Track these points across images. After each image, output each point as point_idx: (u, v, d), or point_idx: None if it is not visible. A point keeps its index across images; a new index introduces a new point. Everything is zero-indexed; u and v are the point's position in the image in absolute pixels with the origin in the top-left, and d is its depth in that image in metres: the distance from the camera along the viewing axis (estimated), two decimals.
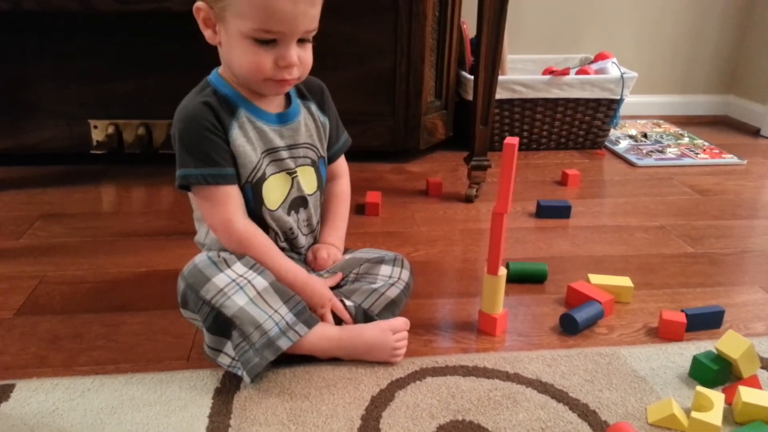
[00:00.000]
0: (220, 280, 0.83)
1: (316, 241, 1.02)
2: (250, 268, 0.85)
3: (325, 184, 1.03)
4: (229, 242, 0.88)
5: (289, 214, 0.94)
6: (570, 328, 0.98)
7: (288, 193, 0.94)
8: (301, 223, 0.97)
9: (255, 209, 0.91)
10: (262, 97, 0.90)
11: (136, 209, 1.43)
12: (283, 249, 0.95)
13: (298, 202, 0.95)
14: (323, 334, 0.87)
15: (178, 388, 0.83)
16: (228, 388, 0.83)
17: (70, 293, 1.06)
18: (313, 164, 0.97)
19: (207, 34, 0.85)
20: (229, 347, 0.83)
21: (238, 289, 0.82)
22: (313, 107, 0.97)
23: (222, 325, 0.82)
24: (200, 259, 0.86)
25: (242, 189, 0.89)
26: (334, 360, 0.89)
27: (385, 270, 0.98)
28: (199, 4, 0.82)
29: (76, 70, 1.55)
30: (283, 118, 0.93)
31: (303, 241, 0.99)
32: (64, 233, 1.29)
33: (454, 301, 1.08)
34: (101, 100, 1.58)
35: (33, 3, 1.25)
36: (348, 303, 0.91)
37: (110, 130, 1.59)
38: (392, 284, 0.96)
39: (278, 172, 0.92)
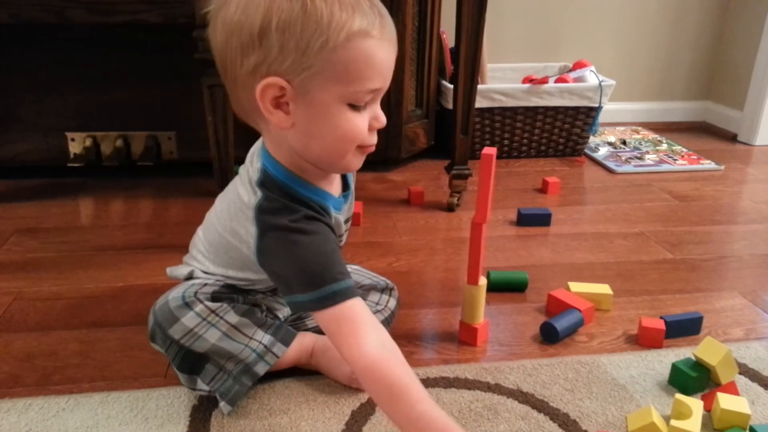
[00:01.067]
0: (190, 320, 0.79)
1: None
2: (223, 302, 0.81)
3: None
4: (362, 376, 0.69)
5: None
6: (550, 337, 0.98)
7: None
8: None
9: None
10: (328, 181, 0.79)
11: (114, 223, 1.41)
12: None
13: None
14: (300, 345, 0.86)
15: (155, 406, 0.82)
16: (206, 405, 0.82)
17: (46, 309, 1.05)
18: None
19: (276, 118, 0.68)
20: (201, 384, 0.81)
21: (210, 326, 0.79)
22: (351, 176, 0.87)
23: (193, 362, 0.80)
24: (173, 296, 0.81)
25: None
26: (314, 374, 0.88)
27: (373, 296, 0.97)
28: (269, 80, 0.65)
29: (53, 82, 1.54)
30: (345, 198, 0.83)
31: None
32: (40, 248, 1.27)
33: (436, 311, 1.07)
34: (78, 112, 1.57)
35: (5, 15, 1.23)
36: None
37: (88, 142, 1.57)
38: (378, 311, 0.95)
39: None
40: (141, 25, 1.26)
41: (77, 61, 1.53)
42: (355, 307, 0.70)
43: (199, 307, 0.79)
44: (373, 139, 0.73)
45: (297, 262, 0.71)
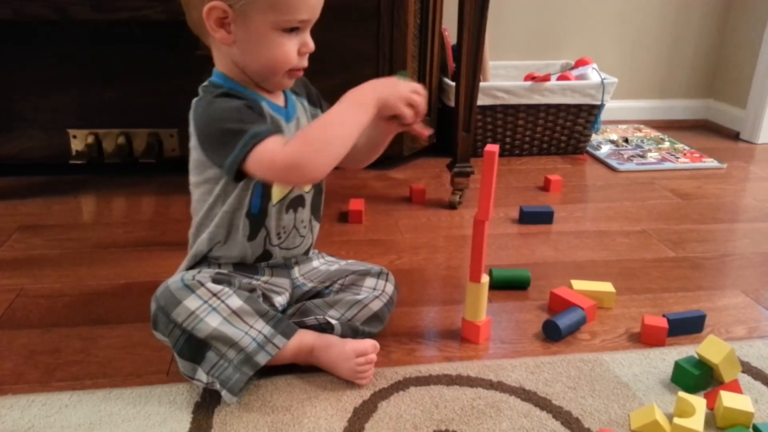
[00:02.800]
0: (192, 302, 0.81)
1: (312, 243, 1.00)
2: (225, 286, 0.83)
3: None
4: (294, 155, 0.77)
5: (287, 212, 0.92)
6: (553, 334, 0.98)
7: (290, 191, 0.91)
8: (298, 223, 0.94)
9: (262, 206, 0.88)
10: (267, 93, 0.88)
11: (115, 220, 1.41)
12: (270, 250, 0.93)
13: (297, 201, 0.93)
14: (300, 342, 0.86)
15: (157, 403, 0.82)
16: (208, 402, 0.82)
17: (48, 306, 1.05)
18: None
19: (219, 35, 0.81)
20: (200, 373, 0.82)
21: (211, 310, 0.81)
22: (305, 102, 0.96)
23: (194, 348, 0.81)
24: (173, 281, 0.84)
25: (254, 185, 0.86)
26: (316, 371, 0.88)
27: (369, 282, 0.98)
28: (213, 4, 0.78)
29: (55, 79, 1.54)
30: (287, 115, 0.91)
31: (297, 241, 0.96)
32: (43, 245, 1.27)
33: (438, 308, 1.07)
34: (80, 109, 1.57)
35: (8, 12, 1.23)
36: (333, 321, 0.90)
37: (90, 139, 1.57)
38: (376, 297, 0.95)
39: None
40: (143, 22, 1.25)
41: (79, 58, 1.53)
42: (275, 137, 0.78)
43: (200, 290, 0.82)
44: (303, 63, 0.85)
45: (217, 125, 0.80)
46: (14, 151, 1.58)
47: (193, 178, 0.90)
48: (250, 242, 0.90)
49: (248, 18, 0.79)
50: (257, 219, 0.89)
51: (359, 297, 0.95)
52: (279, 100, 0.90)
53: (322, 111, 0.97)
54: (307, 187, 0.94)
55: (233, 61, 0.84)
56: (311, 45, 0.84)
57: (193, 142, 0.85)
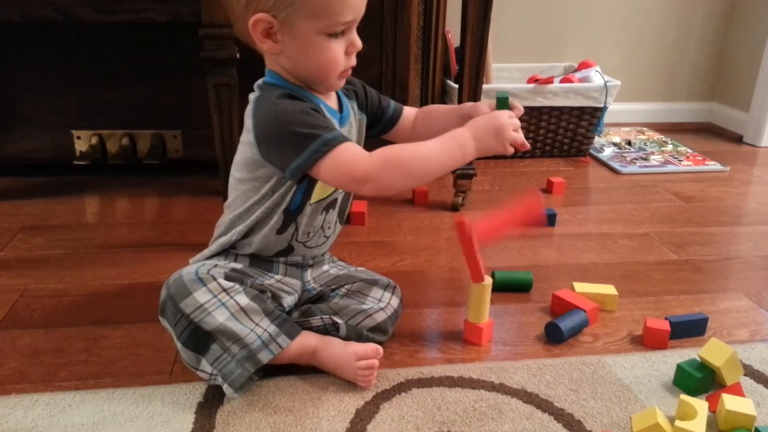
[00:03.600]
0: (202, 295, 0.82)
1: (332, 245, 1.01)
2: (236, 283, 0.84)
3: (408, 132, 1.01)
4: (377, 171, 0.79)
5: (321, 212, 0.92)
6: (555, 337, 0.98)
7: (331, 193, 0.92)
8: (326, 224, 0.95)
9: (302, 203, 0.89)
10: (322, 95, 0.88)
11: (119, 220, 1.42)
12: (294, 245, 0.93)
13: (331, 203, 0.94)
14: (303, 343, 0.87)
15: (160, 403, 0.82)
16: (211, 402, 0.83)
17: (52, 306, 1.05)
18: None
19: (266, 45, 0.81)
20: (204, 364, 0.82)
21: (220, 305, 0.82)
22: (356, 106, 0.96)
23: (199, 339, 0.81)
24: (187, 271, 0.84)
25: (299, 182, 0.85)
26: (318, 372, 0.89)
27: (376, 293, 0.98)
28: (258, 16, 0.78)
29: (59, 80, 1.54)
30: (341, 119, 0.91)
31: (321, 240, 0.96)
32: (47, 245, 1.28)
33: (440, 310, 1.07)
34: (84, 110, 1.57)
35: (15, 14, 1.23)
36: (338, 321, 0.90)
37: (94, 140, 1.58)
38: (381, 308, 0.95)
39: None
40: (147, 24, 1.26)
41: (84, 60, 1.53)
42: (349, 145, 0.80)
43: (212, 284, 0.82)
44: (351, 62, 0.85)
45: (284, 128, 0.80)
46: (18, 152, 1.59)
47: (239, 174, 0.89)
48: (278, 236, 0.90)
49: (293, 26, 0.79)
50: (292, 215, 0.89)
51: (364, 306, 0.95)
52: (332, 102, 0.91)
53: (370, 114, 0.98)
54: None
55: (283, 68, 0.85)
56: (359, 44, 0.84)
57: (249, 139, 0.84)
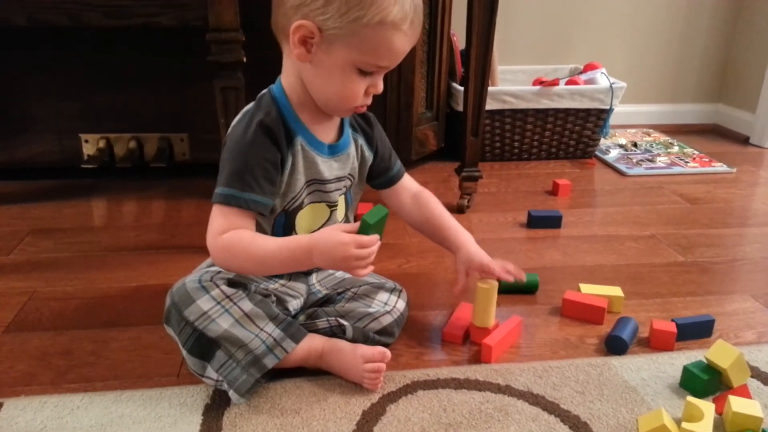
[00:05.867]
0: (205, 303, 0.82)
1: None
2: (239, 289, 0.85)
3: (404, 208, 1.04)
4: (215, 253, 0.83)
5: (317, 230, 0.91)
6: (617, 348, 0.96)
7: (324, 224, 0.93)
8: None
9: (284, 235, 0.89)
10: (319, 123, 0.88)
11: (126, 223, 1.43)
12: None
13: (327, 223, 0.94)
14: (309, 346, 0.87)
15: (167, 405, 0.83)
16: (218, 404, 0.83)
17: (60, 309, 1.06)
18: (346, 191, 0.96)
19: (298, 51, 0.79)
20: (210, 371, 0.83)
21: (223, 312, 0.82)
22: (361, 140, 0.96)
23: (204, 346, 0.82)
24: (191, 279, 0.85)
25: (276, 217, 0.88)
26: (325, 374, 0.89)
27: (382, 296, 0.98)
28: (303, 22, 0.77)
29: (67, 84, 1.55)
30: (334, 150, 0.91)
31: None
32: (55, 248, 1.28)
33: (446, 312, 1.07)
34: (92, 114, 1.58)
35: (23, 19, 1.24)
36: (345, 323, 0.90)
37: (101, 144, 1.59)
38: (387, 312, 0.95)
39: (318, 203, 0.91)
40: (155, 29, 1.27)
41: (91, 64, 1.55)
42: (234, 212, 0.82)
43: (215, 291, 0.83)
44: (367, 101, 0.85)
45: (226, 158, 0.83)
46: (26, 156, 1.60)
47: None
48: None
49: (332, 46, 0.78)
50: (287, 227, 0.90)
51: (370, 310, 0.95)
52: (329, 133, 0.90)
53: (378, 155, 0.99)
54: (341, 217, 0.96)
55: (300, 76, 0.84)
56: (380, 88, 0.84)
57: None
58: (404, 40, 0.79)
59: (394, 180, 1.03)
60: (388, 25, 0.77)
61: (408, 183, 1.05)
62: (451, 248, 1.01)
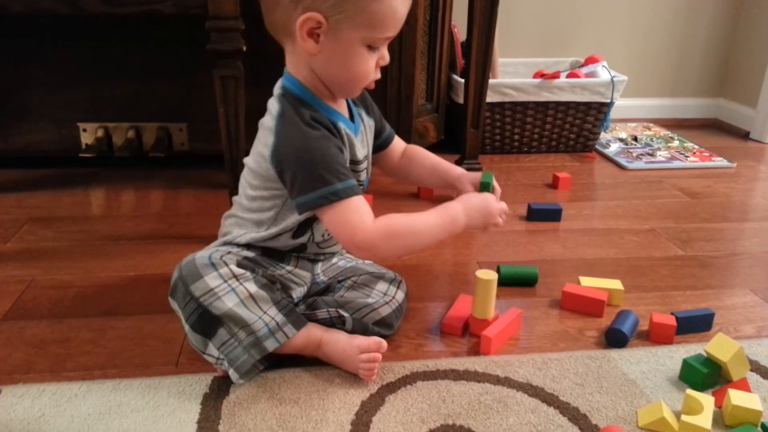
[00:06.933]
0: (212, 280, 0.82)
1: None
2: (247, 271, 0.85)
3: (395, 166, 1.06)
4: (378, 242, 0.83)
5: None
6: (617, 341, 0.96)
7: None
8: None
9: (303, 224, 0.90)
10: (338, 106, 0.89)
11: (125, 213, 1.42)
12: (307, 245, 0.94)
13: None
14: (309, 335, 0.87)
15: (166, 393, 0.83)
16: (217, 393, 0.83)
17: (58, 298, 1.05)
18: (367, 168, 0.97)
19: (307, 45, 0.79)
20: (211, 348, 0.83)
21: (229, 290, 0.82)
22: (362, 112, 0.96)
23: (207, 323, 0.82)
24: (200, 255, 0.85)
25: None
26: (324, 364, 0.89)
27: (381, 286, 0.98)
28: (310, 14, 0.77)
29: (66, 73, 1.54)
30: (355, 129, 0.91)
31: (334, 240, 0.96)
32: (53, 237, 1.28)
33: (445, 304, 1.07)
34: (91, 102, 1.57)
35: (20, 5, 1.24)
36: (345, 314, 0.90)
37: (100, 133, 1.58)
38: (386, 302, 0.95)
39: None
40: (153, 16, 1.26)
41: (90, 52, 1.54)
42: (358, 201, 0.82)
43: (223, 269, 0.83)
44: (377, 75, 0.86)
45: (305, 162, 0.80)
46: (25, 144, 1.59)
47: (251, 179, 0.89)
48: (293, 240, 0.91)
49: (339, 31, 0.79)
50: (308, 221, 0.90)
51: (369, 300, 0.95)
52: (344, 110, 0.91)
53: (376, 121, 0.99)
54: None
55: (311, 69, 0.84)
56: (387, 58, 0.85)
57: (265, 154, 0.84)
58: (405, 2, 0.81)
59: (387, 142, 1.03)
60: None
61: (398, 142, 1.06)
62: (449, 177, 1.03)
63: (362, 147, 0.93)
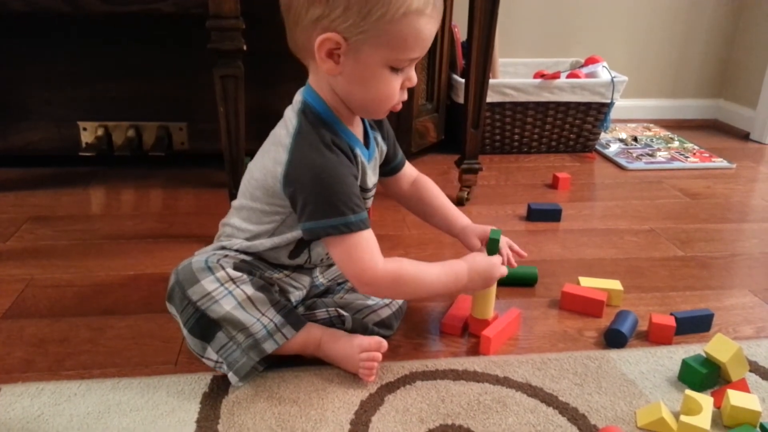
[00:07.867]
0: (209, 284, 0.82)
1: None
2: (244, 273, 0.84)
3: (406, 193, 1.05)
4: (382, 284, 0.83)
5: None
6: (617, 342, 0.96)
7: None
8: None
9: (298, 248, 0.89)
10: (354, 129, 0.87)
11: (124, 212, 1.42)
12: (305, 264, 0.93)
13: None
14: (308, 334, 0.87)
15: (165, 393, 0.82)
16: (216, 393, 0.83)
17: (57, 296, 1.05)
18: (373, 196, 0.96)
19: (327, 65, 0.77)
20: (210, 351, 0.83)
21: (227, 293, 0.82)
22: (379, 138, 0.94)
23: (205, 327, 0.82)
24: (197, 259, 0.85)
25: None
26: (323, 364, 0.89)
27: None
28: (329, 35, 0.74)
29: (66, 71, 1.54)
30: (370, 155, 0.90)
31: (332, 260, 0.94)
32: (52, 236, 1.28)
33: (445, 304, 1.07)
34: (91, 101, 1.57)
35: (20, 3, 1.23)
36: (344, 314, 0.90)
37: (99, 132, 1.58)
38: (386, 304, 0.95)
39: None
40: (154, 15, 1.26)
41: (90, 51, 1.54)
42: (368, 235, 0.81)
43: (220, 273, 0.83)
44: (404, 97, 0.83)
45: (321, 188, 0.78)
46: (25, 143, 1.59)
47: (254, 190, 0.86)
48: (289, 259, 0.91)
49: (360, 52, 0.75)
50: (306, 243, 0.89)
51: (369, 302, 0.95)
52: (360, 133, 0.88)
53: (389, 146, 0.97)
54: None
55: (333, 88, 0.81)
56: (415, 79, 0.81)
57: (274, 171, 0.81)
58: (431, 24, 0.76)
59: (398, 168, 1.02)
60: (413, 14, 0.74)
61: (409, 170, 1.05)
62: (454, 227, 1.04)
63: (373, 175, 0.91)
